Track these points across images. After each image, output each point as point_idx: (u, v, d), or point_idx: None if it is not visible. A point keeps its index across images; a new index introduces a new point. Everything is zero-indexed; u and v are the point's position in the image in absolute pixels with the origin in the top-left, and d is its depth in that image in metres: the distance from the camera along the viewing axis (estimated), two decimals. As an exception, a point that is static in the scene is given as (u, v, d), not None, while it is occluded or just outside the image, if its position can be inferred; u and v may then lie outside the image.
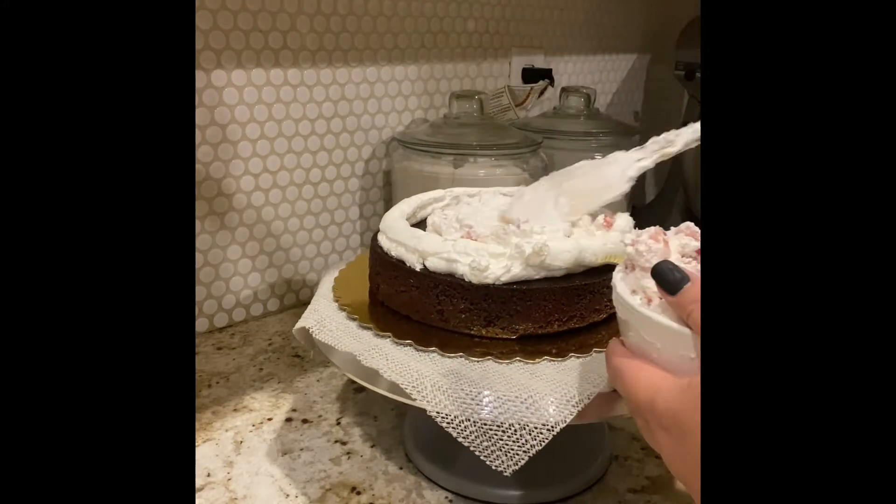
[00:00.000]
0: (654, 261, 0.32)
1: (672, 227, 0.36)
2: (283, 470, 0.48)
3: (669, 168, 1.07)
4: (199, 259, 0.68)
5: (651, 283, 0.32)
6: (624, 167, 0.46)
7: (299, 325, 0.48)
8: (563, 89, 0.90)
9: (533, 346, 0.43)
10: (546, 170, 0.77)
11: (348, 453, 0.50)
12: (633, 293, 0.33)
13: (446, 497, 0.46)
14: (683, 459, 0.29)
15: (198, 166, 0.66)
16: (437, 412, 0.38)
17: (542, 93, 0.86)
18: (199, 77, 0.64)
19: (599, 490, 0.47)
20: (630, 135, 0.90)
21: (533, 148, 0.74)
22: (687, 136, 0.44)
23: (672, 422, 0.29)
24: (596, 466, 0.49)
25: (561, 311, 0.43)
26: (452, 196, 0.57)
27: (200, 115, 0.65)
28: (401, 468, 0.49)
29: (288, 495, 0.46)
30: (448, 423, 0.38)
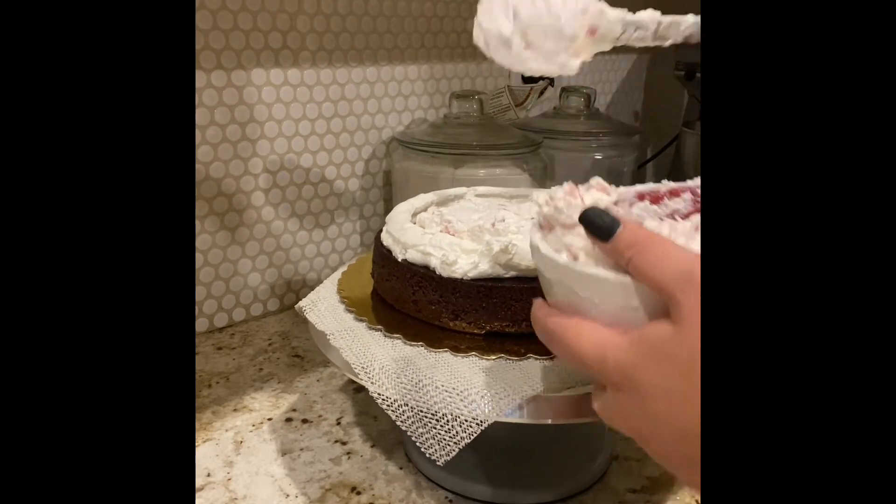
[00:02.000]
0: (576, 215, 0.31)
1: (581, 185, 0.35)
2: (283, 470, 0.48)
3: (669, 168, 1.07)
4: (199, 259, 0.68)
5: (575, 240, 0.31)
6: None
7: (299, 304, 0.51)
8: (563, 89, 0.90)
9: (499, 343, 0.43)
10: (546, 170, 0.78)
11: (348, 453, 0.50)
12: (556, 253, 0.32)
13: (446, 497, 0.46)
14: (638, 416, 0.28)
15: (198, 166, 0.66)
16: (379, 394, 0.40)
17: (542, 93, 0.86)
18: (200, 77, 0.64)
19: (599, 490, 0.47)
20: (630, 135, 0.90)
21: (533, 148, 0.74)
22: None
23: (624, 379, 0.28)
24: (596, 466, 0.49)
25: (529, 311, 0.43)
26: (476, 194, 0.57)
27: (200, 115, 0.65)
28: (401, 468, 0.49)
29: (288, 495, 0.46)
30: (388, 405, 0.39)
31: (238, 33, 0.65)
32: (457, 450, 0.37)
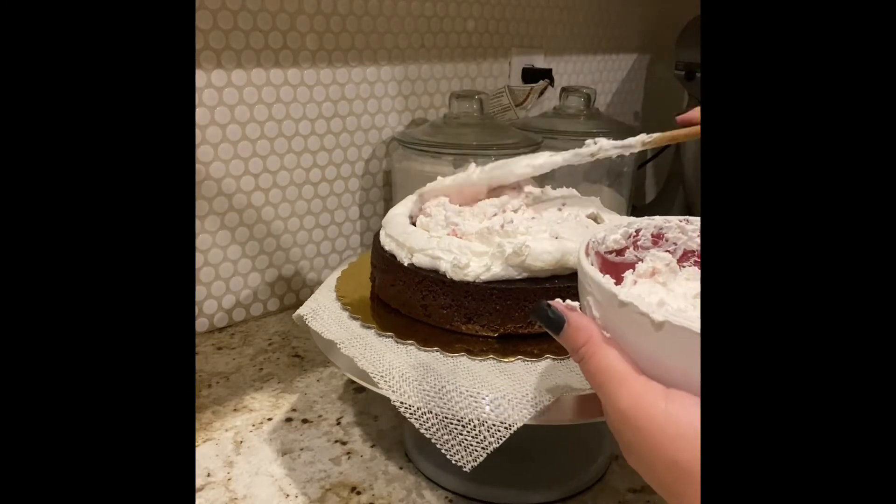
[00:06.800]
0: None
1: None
2: (283, 470, 0.48)
3: (669, 168, 1.07)
4: (199, 259, 0.68)
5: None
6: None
7: (297, 312, 0.50)
8: (563, 89, 0.90)
9: (513, 345, 0.43)
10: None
11: (348, 453, 0.50)
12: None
13: (446, 497, 0.46)
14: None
15: (198, 166, 0.66)
16: (401, 402, 0.39)
17: (542, 93, 0.86)
18: (199, 77, 0.64)
19: (599, 490, 0.47)
20: (630, 135, 0.90)
21: (533, 148, 0.74)
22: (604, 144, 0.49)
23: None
24: (596, 466, 0.49)
25: None
26: None
27: (200, 115, 0.65)
28: (401, 468, 0.49)
29: (288, 495, 0.46)
30: (410, 413, 0.39)
31: (238, 33, 0.65)
32: (484, 455, 0.37)
